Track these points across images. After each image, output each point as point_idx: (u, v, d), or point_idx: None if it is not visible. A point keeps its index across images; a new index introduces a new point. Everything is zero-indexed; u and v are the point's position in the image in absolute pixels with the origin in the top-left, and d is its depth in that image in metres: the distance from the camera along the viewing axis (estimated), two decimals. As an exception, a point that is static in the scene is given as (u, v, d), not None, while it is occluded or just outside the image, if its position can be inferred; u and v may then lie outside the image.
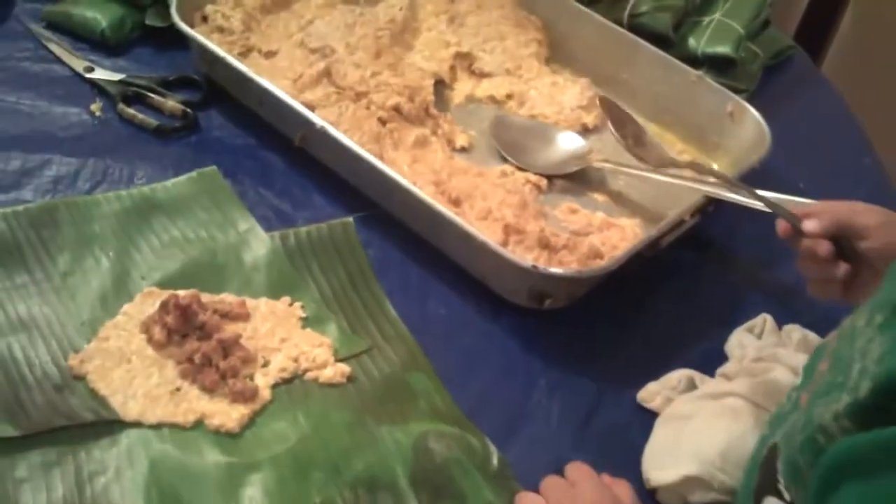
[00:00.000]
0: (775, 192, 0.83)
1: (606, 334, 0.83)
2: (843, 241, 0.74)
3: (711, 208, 0.87)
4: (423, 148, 0.93)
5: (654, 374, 0.79)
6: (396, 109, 0.94)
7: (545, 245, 0.83)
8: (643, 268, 0.84)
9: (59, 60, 1.01)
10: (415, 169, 0.89)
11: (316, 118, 0.88)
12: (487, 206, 0.85)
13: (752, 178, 0.88)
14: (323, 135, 0.87)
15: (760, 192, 0.82)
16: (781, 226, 0.77)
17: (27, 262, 0.81)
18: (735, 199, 0.84)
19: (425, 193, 0.85)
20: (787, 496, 0.56)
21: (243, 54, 0.99)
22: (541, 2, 1.08)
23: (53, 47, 1.02)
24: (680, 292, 0.88)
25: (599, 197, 0.94)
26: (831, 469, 0.49)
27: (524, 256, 0.82)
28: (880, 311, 0.51)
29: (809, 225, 0.74)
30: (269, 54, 1.00)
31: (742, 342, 0.81)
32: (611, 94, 1.04)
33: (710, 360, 0.80)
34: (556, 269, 0.78)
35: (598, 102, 1.01)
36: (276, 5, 1.05)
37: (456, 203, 0.86)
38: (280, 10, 1.05)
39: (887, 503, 0.45)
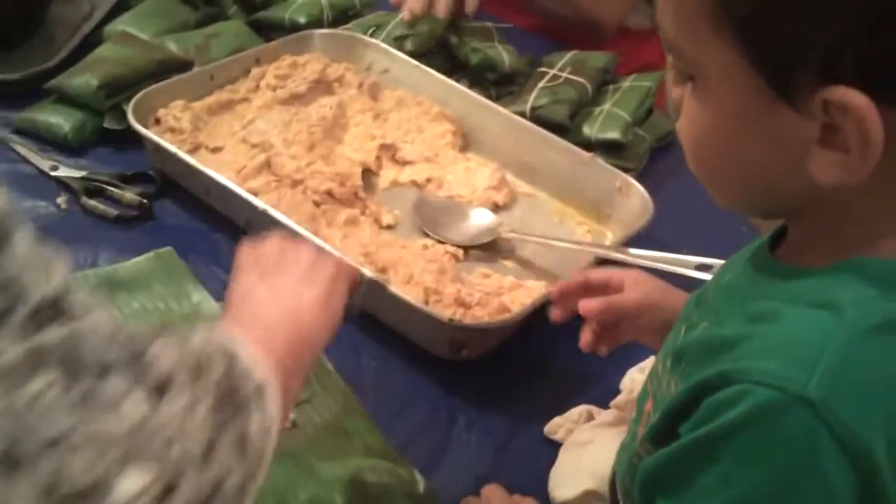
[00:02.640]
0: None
1: (517, 378, 0.96)
2: None
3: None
4: (353, 226, 1.07)
5: (559, 410, 0.92)
6: (329, 193, 1.08)
7: (461, 303, 0.96)
8: (548, 321, 0.98)
9: (25, 160, 1.13)
10: (346, 243, 1.02)
11: (258, 202, 1.01)
12: (410, 273, 0.99)
13: (640, 243, 1.03)
14: (264, 216, 1.00)
15: (638, 251, 0.98)
16: (555, 312, 0.89)
17: (5, 334, 0.91)
18: (619, 258, 0.99)
19: (356, 263, 0.99)
20: None
21: (192, 151, 1.12)
22: (454, 99, 1.23)
23: (20, 149, 1.14)
24: (574, 343, 1.01)
25: (509, 264, 1.08)
26: (642, 485, 0.60)
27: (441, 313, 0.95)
28: (668, 357, 0.64)
29: (583, 309, 0.86)
30: (216, 150, 1.13)
31: (633, 378, 0.94)
32: (517, 175, 1.19)
33: (607, 396, 0.93)
34: (469, 322, 0.91)
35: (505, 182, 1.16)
36: (220, 107, 1.18)
37: (383, 271, 0.99)
38: (224, 112, 1.18)
39: None
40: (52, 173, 1.12)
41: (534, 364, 0.98)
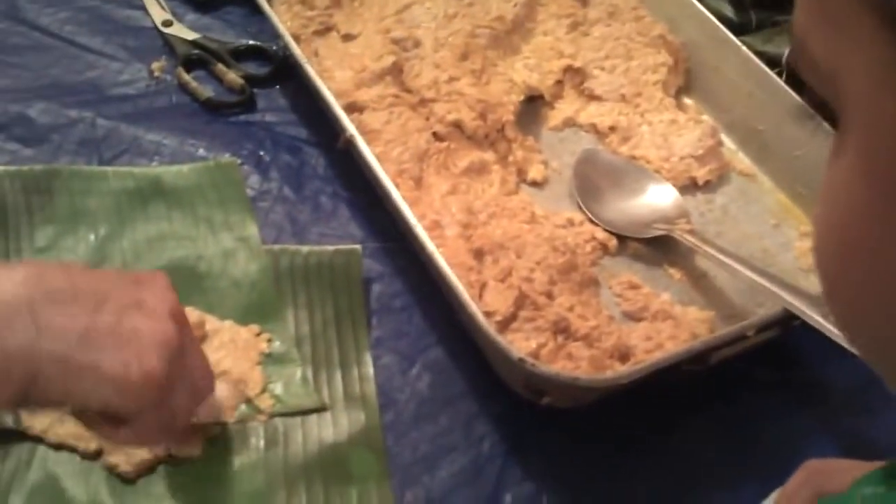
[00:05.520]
0: None
1: (613, 453, 0.67)
2: None
3: (797, 323, 0.68)
4: (476, 176, 0.79)
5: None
6: (457, 125, 0.80)
7: (561, 330, 0.68)
8: (692, 378, 0.67)
9: (143, 8, 0.95)
10: (447, 202, 0.75)
11: (348, 122, 0.76)
12: (511, 267, 0.71)
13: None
14: (352, 143, 0.75)
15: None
16: None
17: (7, 228, 0.75)
18: (819, 325, 0.65)
19: (449, 233, 0.73)
20: None
21: (320, 32, 0.88)
22: (687, 20, 0.90)
23: (144, -7, 0.96)
24: (730, 420, 0.70)
25: (676, 273, 0.77)
26: None
27: (526, 340, 0.67)
28: None
29: None
30: (348, 37, 0.88)
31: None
32: (740, 144, 0.86)
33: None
34: (545, 368, 0.63)
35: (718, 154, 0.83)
36: (381, -20, 0.93)
37: (477, 255, 0.72)
38: (383, -13, 0.93)
39: None
40: (163, 29, 0.92)
41: (645, 440, 0.68)
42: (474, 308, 0.65)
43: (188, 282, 0.73)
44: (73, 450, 0.64)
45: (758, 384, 0.71)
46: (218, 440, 0.65)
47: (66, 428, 0.64)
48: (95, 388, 0.48)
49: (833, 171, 0.28)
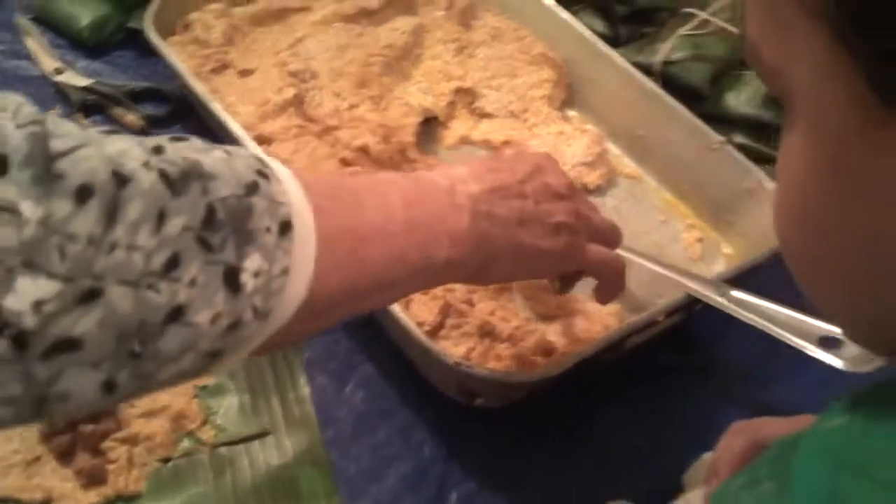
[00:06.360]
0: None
1: (544, 445, 0.71)
2: None
3: (699, 307, 0.74)
4: (385, 198, 0.83)
5: (591, 501, 0.67)
6: (363, 150, 0.84)
7: (486, 333, 0.72)
8: (608, 369, 0.72)
9: (30, 58, 0.95)
10: (363, 224, 0.78)
11: (262, 155, 0.78)
12: (432, 279, 0.74)
13: (763, 276, 0.75)
14: (265, 176, 0.77)
15: (744, 297, 0.70)
16: None
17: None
18: (720, 305, 0.71)
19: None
20: None
21: (217, 70, 0.90)
22: (565, 37, 0.95)
23: (30, 43, 0.96)
24: (646, 402, 0.75)
25: (581, 273, 0.82)
26: None
27: (455, 346, 0.71)
28: None
29: None
30: (245, 73, 0.91)
31: (696, 476, 0.68)
32: (625, 149, 0.92)
33: (660, 490, 0.67)
34: (479, 369, 0.67)
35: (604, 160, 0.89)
36: (270, 17, 0.95)
37: (397, 271, 0.75)
38: (274, 23, 0.95)
39: None
40: (55, 77, 0.92)
41: (573, 428, 0.73)
42: (406, 319, 0.68)
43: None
44: (17, 502, 0.64)
45: (667, 368, 0.77)
46: (165, 476, 0.66)
47: (8, 481, 0.64)
48: (537, 263, 0.60)
49: (785, 151, 0.34)
